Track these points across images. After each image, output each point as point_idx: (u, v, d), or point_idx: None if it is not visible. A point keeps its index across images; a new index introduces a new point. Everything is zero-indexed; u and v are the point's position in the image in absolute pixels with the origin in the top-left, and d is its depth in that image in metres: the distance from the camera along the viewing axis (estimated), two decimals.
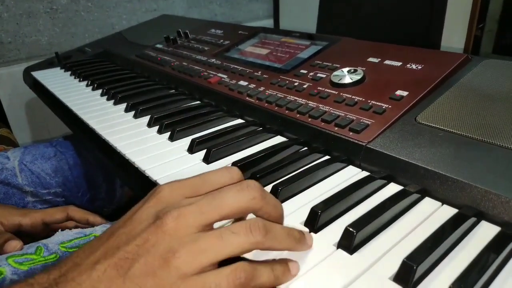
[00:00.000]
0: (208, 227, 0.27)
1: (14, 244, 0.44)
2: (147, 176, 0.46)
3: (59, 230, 0.48)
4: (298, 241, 0.30)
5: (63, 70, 0.96)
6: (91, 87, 0.80)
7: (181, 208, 0.27)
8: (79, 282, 0.25)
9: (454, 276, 0.27)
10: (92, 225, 0.55)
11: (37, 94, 0.91)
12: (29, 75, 0.97)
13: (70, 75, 0.91)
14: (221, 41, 0.85)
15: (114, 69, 0.91)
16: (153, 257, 0.25)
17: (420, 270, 0.27)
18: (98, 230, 0.48)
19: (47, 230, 0.54)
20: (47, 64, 1.05)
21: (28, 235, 0.52)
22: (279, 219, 0.31)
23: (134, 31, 1.14)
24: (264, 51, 0.75)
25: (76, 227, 0.54)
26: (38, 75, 0.93)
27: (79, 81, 0.86)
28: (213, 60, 0.77)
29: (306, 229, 0.33)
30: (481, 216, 0.33)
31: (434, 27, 0.92)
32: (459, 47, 0.97)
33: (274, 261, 0.29)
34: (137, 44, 1.02)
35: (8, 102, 1.15)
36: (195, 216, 0.27)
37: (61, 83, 0.86)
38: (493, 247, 0.30)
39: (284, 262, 0.29)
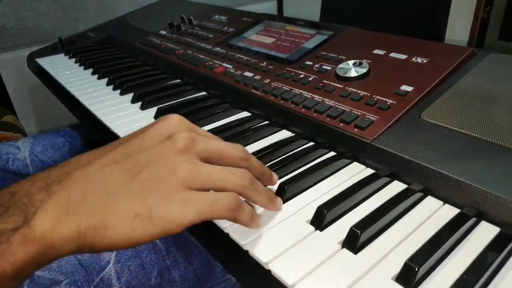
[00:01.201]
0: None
1: None
2: None
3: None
4: (271, 200, 0.35)
5: (67, 57, 0.96)
6: (96, 75, 0.81)
7: (194, 134, 0.31)
8: (85, 178, 0.28)
9: (455, 277, 0.29)
10: None
11: (42, 81, 0.91)
12: (33, 62, 0.97)
13: (75, 62, 0.91)
14: (226, 28, 0.85)
15: (119, 56, 0.91)
16: (162, 166, 0.28)
17: (422, 271, 0.29)
18: None
19: None
20: (51, 50, 1.04)
21: None
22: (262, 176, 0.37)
23: (137, 16, 1.13)
24: (268, 40, 0.75)
25: None
26: (43, 62, 0.93)
27: (84, 68, 0.86)
28: (218, 49, 0.77)
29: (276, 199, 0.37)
30: (481, 216, 0.35)
31: (439, 13, 0.91)
32: (465, 33, 0.96)
33: (252, 208, 0.34)
34: (140, 30, 1.02)
35: (13, 88, 1.15)
36: (204, 145, 0.31)
37: (66, 72, 0.86)
38: (493, 248, 0.31)
39: (257, 213, 0.35)
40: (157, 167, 0.28)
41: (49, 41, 1.16)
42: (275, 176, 0.39)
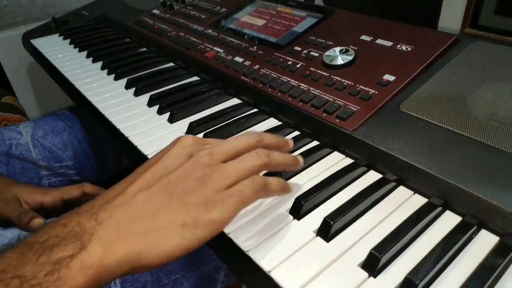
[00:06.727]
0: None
1: (38, 222, 0.50)
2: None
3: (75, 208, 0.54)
4: (293, 162, 0.40)
5: (62, 37, 0.97)
6: (91, 58, 0.82)
7: (212, 148, 0.36)
8: (126, 204, 0.31)
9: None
10: None
11: (39, 62, 0.92)
12: (29, 43, 0.98)
13: (70, 43, 0.92)
14: (218, 8, 0.85)
15: (112, 38, 0.91)
16: (192, 181, 0.33)
17: (384, 259, 0.32)
18: None
19: (66, 205, 0.60)
20: (45, 29, 1.05)
21: (48, 211, 0.58)
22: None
23: None
24: (260, 22, 0.75)
25: None
26: (38, 43, 0.94)
27: (79, 51, 0.87)
28: (210, 31, 0.78)
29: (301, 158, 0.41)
30: (446, 206, 0.38)
31: None
32: (461, 5, 0.95)
33: (279, 177, 0.38)
34: (133, 8, 1.01)
35: (10, 67, 1.17)
36: (222, 153, 0.36)
37: (61, 54, 0.87)
38: (448, 239, 0.34)
39: (283, 180, 0.38)
40: (187, 183, 0.33)
41: (43, 19, 1.16)
42: (290, 141, 0.42)
